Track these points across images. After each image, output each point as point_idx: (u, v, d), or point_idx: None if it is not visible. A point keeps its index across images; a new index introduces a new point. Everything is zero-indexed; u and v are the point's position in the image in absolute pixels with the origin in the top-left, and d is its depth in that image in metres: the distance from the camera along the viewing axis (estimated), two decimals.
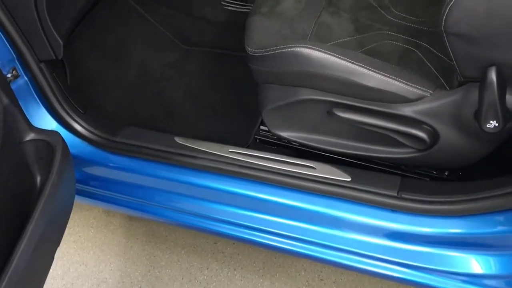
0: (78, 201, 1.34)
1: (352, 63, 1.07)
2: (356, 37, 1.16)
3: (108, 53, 1.73)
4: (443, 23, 0.88)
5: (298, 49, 1.10)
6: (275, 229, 1.24)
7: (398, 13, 1.23)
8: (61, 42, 1.26)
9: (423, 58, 1.12)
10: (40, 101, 1.30)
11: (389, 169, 1.31)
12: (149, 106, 1.69)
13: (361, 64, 1.07)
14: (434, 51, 1.12)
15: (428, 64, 1.10)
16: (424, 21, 1.20)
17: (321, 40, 1.14)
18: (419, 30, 1.18)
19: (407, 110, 1.07)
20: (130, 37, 1.80)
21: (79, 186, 1.40)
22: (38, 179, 1.07)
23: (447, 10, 0.86)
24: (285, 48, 1.12)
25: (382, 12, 1.23)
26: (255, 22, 1.23)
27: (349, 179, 1.16)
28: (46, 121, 1.32)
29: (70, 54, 1.51)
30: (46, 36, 1.24)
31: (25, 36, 1.23)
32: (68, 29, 1.33)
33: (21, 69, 1.26)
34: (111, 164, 1.37)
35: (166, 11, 1.83)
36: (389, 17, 1.22)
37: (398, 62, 1.10)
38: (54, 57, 1.28)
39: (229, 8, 1.75)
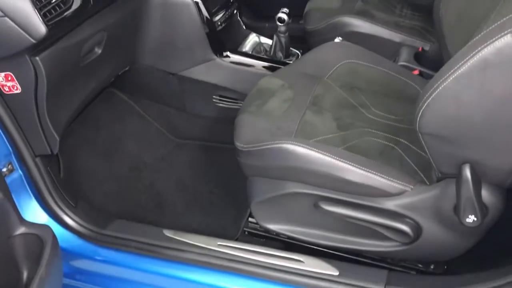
0: None
1: (335, 158, 1.12)
2: (339, 134, 1.22)
3: (101, 147, 1.79)
4: (417, 124, 0.95)
5: (284, 145, 1.16)
6: None
7: (378, 112, 1.31)
8: (57, 138, 1.31)
9: (403, 154, 1.17)
10: (33, 194, 1.33)
11: (376, 262, 1.31)
12: (139, 197, 1.72)
13: (343, 160, 1.12)
14: (413, 147, 1.18)
15: (408, 159, 1.16)
16: (402, 119, 1.28)
17: (305, 136, 1.20)
18: (397, 127, 1.25)
19: (389, 204, 1.11)
20: (123, 131, 1.86)
21: (65, 280, 1.38)
22: (25, 273, 1.06)
23: (420, 112, 0.93)
24: (272, 144, 1.18)
25: (363, 111, 1.31)
26: (244, 120, 1.30)
27: (336, 273, 1.17)
28: (37, 214, 1.33)
29: (65, 148, 1.56)
30: (44, 132, 1.29)
31: (23, 132, 1.28)
32: (64, 125, 1.39)
33: (16, 164, 1.29)
34: (99, 258, 1.36)
35: (160, 108, 1.91)
36: (369, 115, 1.29)
37: (379, 158, 1.15)
38: (50, 152, 1.32)
39: (221, 105, 1.84)
